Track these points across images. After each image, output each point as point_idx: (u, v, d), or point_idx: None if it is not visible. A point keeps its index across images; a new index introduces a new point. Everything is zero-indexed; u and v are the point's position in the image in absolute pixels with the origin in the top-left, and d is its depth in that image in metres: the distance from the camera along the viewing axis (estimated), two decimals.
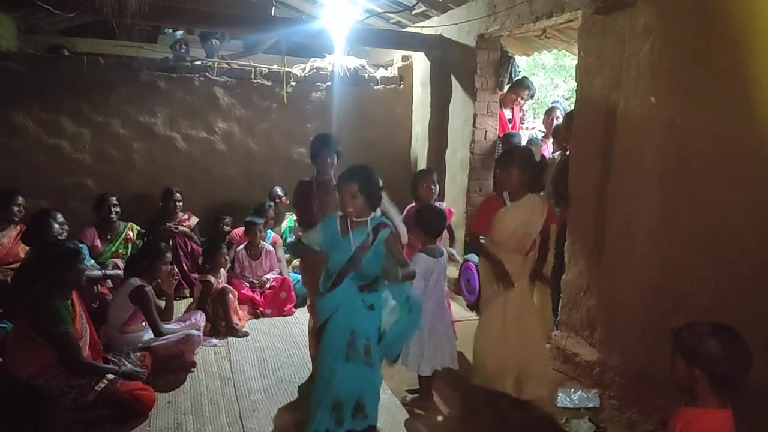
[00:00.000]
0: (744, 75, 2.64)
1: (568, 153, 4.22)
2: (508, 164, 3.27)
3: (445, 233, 4.30)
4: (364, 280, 2.76)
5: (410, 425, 3.11)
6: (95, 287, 4.34)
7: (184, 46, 6.25)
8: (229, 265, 4.94)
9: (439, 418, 3.22)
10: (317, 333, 2.90)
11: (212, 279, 4.51)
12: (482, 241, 3.37)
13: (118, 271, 4.52)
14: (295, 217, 5.37)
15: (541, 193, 3.34)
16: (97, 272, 4.41)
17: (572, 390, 3.43)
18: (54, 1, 4.26)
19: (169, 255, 3.97)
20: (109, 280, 4.52)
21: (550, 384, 3.39)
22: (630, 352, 3.30)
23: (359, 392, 2.81)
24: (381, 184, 2.81)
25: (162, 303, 4.01)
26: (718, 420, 1.76)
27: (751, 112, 2.61)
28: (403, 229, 2.86)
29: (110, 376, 3.05)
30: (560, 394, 3.39)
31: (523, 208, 3.23)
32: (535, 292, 3.40)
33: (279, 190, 5.83)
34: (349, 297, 2.76)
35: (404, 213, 3.98)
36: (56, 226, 4.11)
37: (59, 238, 4.06)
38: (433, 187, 3.95)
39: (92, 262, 4.57)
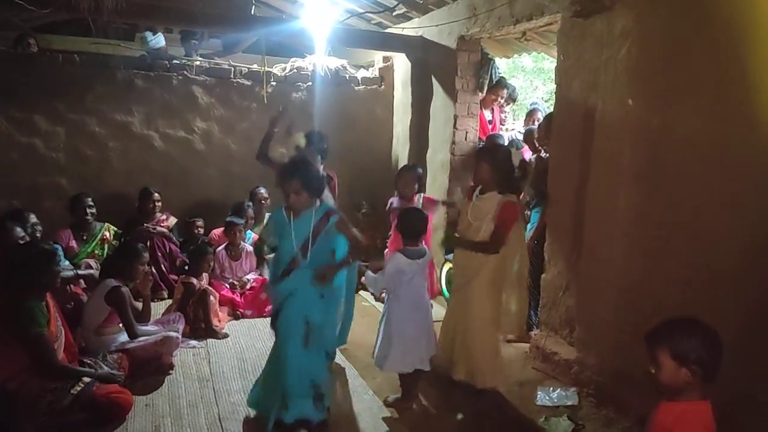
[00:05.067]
0: (719, 78, 2.71)
1: (543, 154, 4.28)
2: (480, 158, 3.42)
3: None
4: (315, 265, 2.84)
5: (392, 425, 3.10)
6: (68, 287, 4.25)
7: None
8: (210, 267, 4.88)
9: (421, 417, 3.22)
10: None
11: (194, 281, 4.45)
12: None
13: (91, 271, 4.44)
14: None
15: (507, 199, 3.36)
16: (70, 272, 4.32)
17: (551, 388, 3.47)
18: None
19: (146, 255, 3.90)
20: (82, 280, 4.43)
21: (495, 376, 3.40)
22: (608, 351, 3.35)
23: (316, 378, 2.89)
24: (321, 172, 2.91)
25: (139, 305, 3.94)
26: (706, 411, 1.80)
27: (726, 114, 2.67)
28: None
29: (86, 380, 2.98)
30: (539, 392, 3.43)
31: (483, 203, 3.33)
32: (512, 294, 3.45)
33: (263, 191, 5.76)
34: (305, 286, 2.83)
35: (388, 204, 4.44)
36: (18, 229, 3.95)
37: (20, 242, 3.91)
38: (414, 184, 4.25)
39: (67, 262, 4.47)
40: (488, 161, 3.32)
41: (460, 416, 3.22)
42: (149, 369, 3.55)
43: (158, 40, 5.92)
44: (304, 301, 2.84)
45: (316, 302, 2.86)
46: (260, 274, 5.11)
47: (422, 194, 4.39)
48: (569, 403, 3.34)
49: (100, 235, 5.06)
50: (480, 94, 5.48)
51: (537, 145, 4.51)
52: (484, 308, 3.32)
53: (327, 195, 3.00)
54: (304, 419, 2.85)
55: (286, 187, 2.82)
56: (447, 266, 4.96)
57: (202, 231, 5.57)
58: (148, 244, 4.99)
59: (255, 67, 6.17)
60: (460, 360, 3.36)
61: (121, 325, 3.59)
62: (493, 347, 3.41)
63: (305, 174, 2.83)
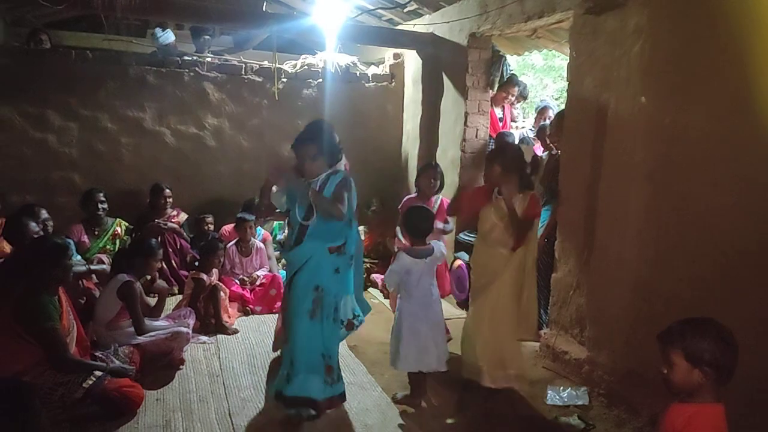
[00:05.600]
0: (732, 76, 2.68)
1: (555, 152, 4.26)
2: (492, 161, 3.42)
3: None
4: (329, 236, 2.80)
5: (400, 422, 3.10)
6: (81, 282, 4.29)
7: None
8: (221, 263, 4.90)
9: (430, 415, 3.22)
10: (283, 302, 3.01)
11: (204, 277, 4.48)
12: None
13: (103, 266, 4.47)
14: None
15: (532, 192, 3.38)
16: (82, 267, 4.35)
17: (561, 388, 3.46)
18: None
19: (161, 252, 3.94)
20: (94, 275, 4.46)
21: (518, 377, 3.37)
22: (619, 350, 3.33)
23: (327, 349, 2.85)
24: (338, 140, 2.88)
25: (151, 300, 3.98)
26: (718, 414, 1.78)
27: (739, 112, 2.64)
28: None
29: (98, 373, 3.01)
30: (550, 391, 3.42)
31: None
32: (524, 291, 3.43)
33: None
34: (318, 255, 2.80)
35: (402, 203, 4.37)
36: (32, 224, 3.95)
37: (35, 236, 3.93)
38: (432, 181, 4.22)
39: (78, 257, 4.51)
40: (500, 163, 3.31)
41: (468, 415, 3.21)
42: (160, 364, 3.58)
43: (167, 36, 5.94)
44: (316, 270, 2.80)
45: (329, 272, 2.82)
46: (270, 271, 5.13)
47: (440, 196, 4.33)
48: (580, 403, 3.32)
49: (111, 231, 5.10)
50: (491, 91, 5.46)
51: (549, 142, 4.49)
52: (508, 309, 3.29)
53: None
54: (305, 398, 2.81)
55: (301, 152, 2.77)
56: (456, 263, 4.94)
57: (212, 227, 5.60)
58: (159, 239, 5.02)
59: (266, 63, 6.18)
60: (480, 361, 3.29)
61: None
62: (515, 348, 3.39)
63: (322, 140, 2.79)
